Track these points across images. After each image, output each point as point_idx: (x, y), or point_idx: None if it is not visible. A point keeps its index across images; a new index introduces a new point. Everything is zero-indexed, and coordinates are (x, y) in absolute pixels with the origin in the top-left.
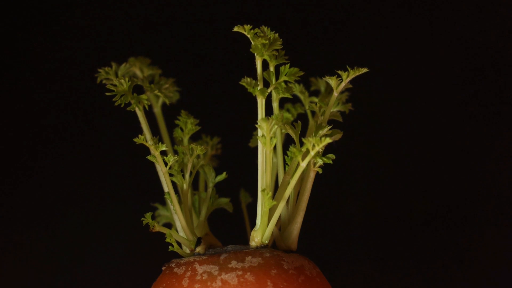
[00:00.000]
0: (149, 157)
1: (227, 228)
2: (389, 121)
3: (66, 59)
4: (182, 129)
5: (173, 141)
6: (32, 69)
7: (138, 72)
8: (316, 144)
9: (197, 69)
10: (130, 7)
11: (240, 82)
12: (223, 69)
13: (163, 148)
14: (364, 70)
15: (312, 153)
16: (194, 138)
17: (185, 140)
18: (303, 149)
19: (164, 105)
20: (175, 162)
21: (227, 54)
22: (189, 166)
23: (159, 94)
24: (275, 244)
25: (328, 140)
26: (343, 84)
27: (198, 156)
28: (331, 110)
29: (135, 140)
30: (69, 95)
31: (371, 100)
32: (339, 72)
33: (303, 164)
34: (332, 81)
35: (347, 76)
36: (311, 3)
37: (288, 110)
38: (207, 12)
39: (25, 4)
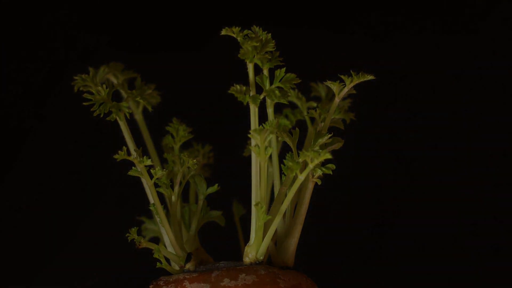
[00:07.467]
0: (131, 172)
1: (219, 243)
2: (395, 129)
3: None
4: (173, 136)
5: (158, 149)
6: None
7: (113, 79)
8: (314, 158)
9: (187, 73)
10: (126, 9)
11: (229, 91)
12: (215, 72)
13: (148, 162)
14: (370, 77)
15: (311, 166)
16: (184, 146)
17: (176, 148)
18: (300, 160)
19: (145, 111)
20: (162, 175)
21: (219, 56)
22: (179, 177)
23: (140, 100)
24: (270, 260)
25: (327, 156)
26: (345, 90)
27: (188, 166)
28: (332, 117)
29: (116, 157)
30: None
31: (374, 107)
32: (343, 77)
33: (301, 177)
34: (334, 86)
35: (351, 82)
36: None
37: (286, 116)
38: (199, 13)
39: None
